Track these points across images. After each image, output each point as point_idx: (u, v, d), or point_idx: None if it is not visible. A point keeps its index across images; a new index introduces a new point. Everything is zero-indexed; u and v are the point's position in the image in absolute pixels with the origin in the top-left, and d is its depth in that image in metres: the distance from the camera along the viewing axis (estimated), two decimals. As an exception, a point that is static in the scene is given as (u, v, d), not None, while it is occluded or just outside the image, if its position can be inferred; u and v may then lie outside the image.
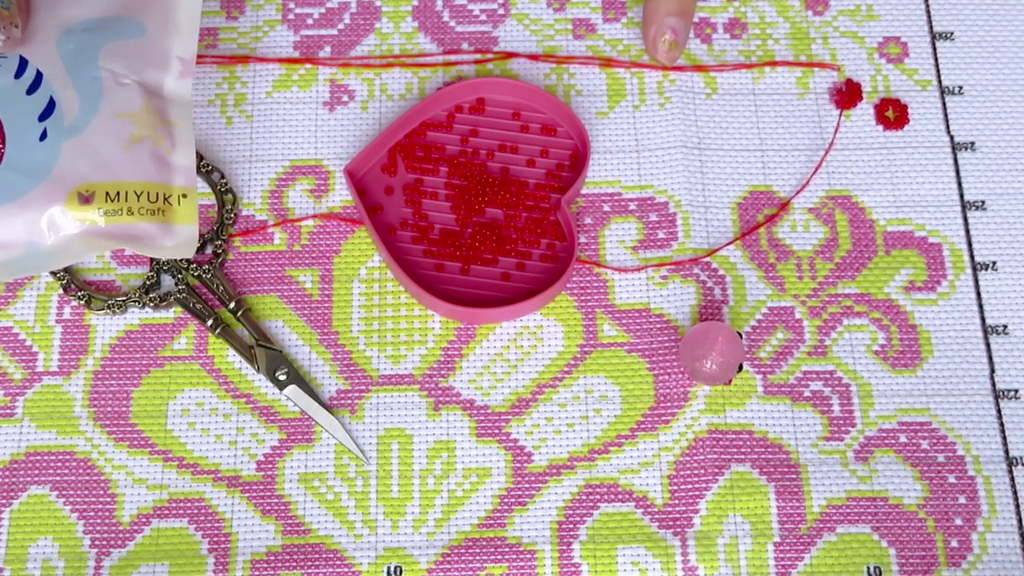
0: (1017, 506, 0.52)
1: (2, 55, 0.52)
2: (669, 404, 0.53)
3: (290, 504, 0.52)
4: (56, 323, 0.55)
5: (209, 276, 0.55)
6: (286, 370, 0.53)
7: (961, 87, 0.59)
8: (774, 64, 0.59)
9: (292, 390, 0.53)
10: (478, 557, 0.51)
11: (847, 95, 0.58)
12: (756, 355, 0.54)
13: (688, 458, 0.52)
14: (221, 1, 0.61)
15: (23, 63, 0.52)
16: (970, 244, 0.56)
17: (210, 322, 0.54)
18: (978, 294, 0.55)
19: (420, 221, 0.56)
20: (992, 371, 0.54)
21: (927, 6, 0.61)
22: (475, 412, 0.53)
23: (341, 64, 0.60)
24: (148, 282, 0.55)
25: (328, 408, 0.53)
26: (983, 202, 0.57)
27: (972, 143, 0.58)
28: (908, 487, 0.52)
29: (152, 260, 0.55)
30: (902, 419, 0.53)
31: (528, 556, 0.51)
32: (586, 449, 0.52)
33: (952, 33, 0.60)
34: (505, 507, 0.52)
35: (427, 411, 0.53)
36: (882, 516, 0.51)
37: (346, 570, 0.50)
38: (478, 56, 0.60)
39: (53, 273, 0.55)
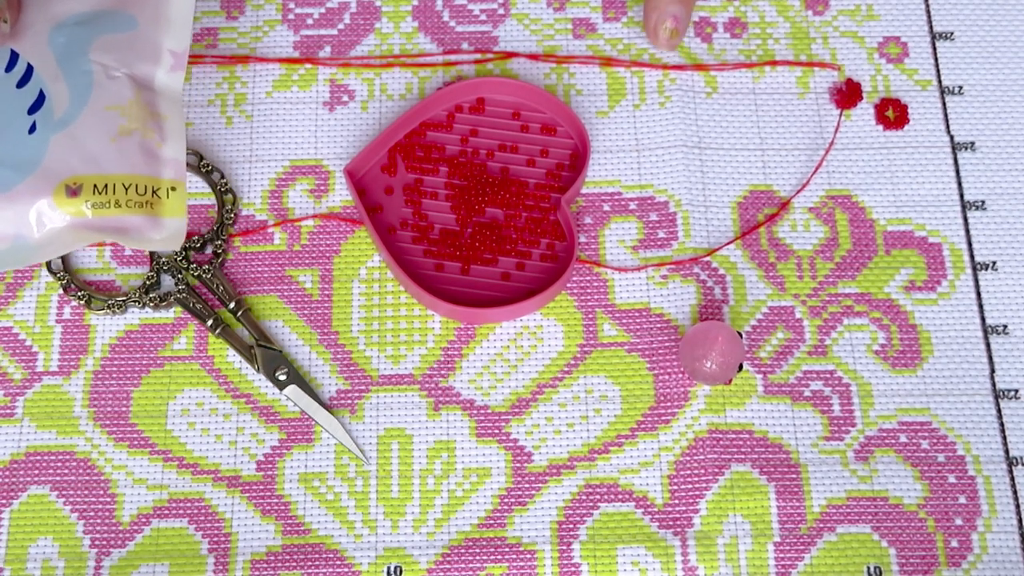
0: (1017, 506, 0.52)
1: None
2: (669, 404, 0.53)
3: (290, 504, 0.52)
4: (56, 323, 0.55)
5: (209, 276, 0.55)
6: (286, 370, 0.53)
7: (961, 87, 0.59)
8: (774, 64, 0.59)
9: (292, 390, 0.53)
10: (478, 557, 0.51)
11: (847, 95, 0.58)
12: (756, 355, 0.54)
13: (688, 458, 0.52)
14: (221, 1, 0.61)
15: (14, 56, 0.51)
16: (970, 244, 0.56)
17: (210, 322, 0.54)
18: (978, 294, 0.55)
19: (420, 221, 0.56)
20: (992, 371, 0.54)
21: (927, 6, 0.61)
22: (475, 412, 0.53)
23: (341, 64, 0.59)
24: (148, 282, 0.54)
25: (328, 408, 0.53)
26: (983, 202, 0.57)
27: (972, 143, 0.58)
28: (908, 487, 0.52)
29: (152, 260, 0.55)
30: (902, 419, 0.53)
31: (528, 556, 0.51)
32: (586, 449, 0.52)
33: (952, 33, 0.60)
34: (505, 507, 0.52)
35: (427, 411, 0.53)
36: (882, 516, 0.51)
37: (346, 570, 0.50)
38: (478, 56, 0.60)
39: (53, 273, 0.55)
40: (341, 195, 0.57)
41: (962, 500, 0.52)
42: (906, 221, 0.57)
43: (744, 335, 0.54)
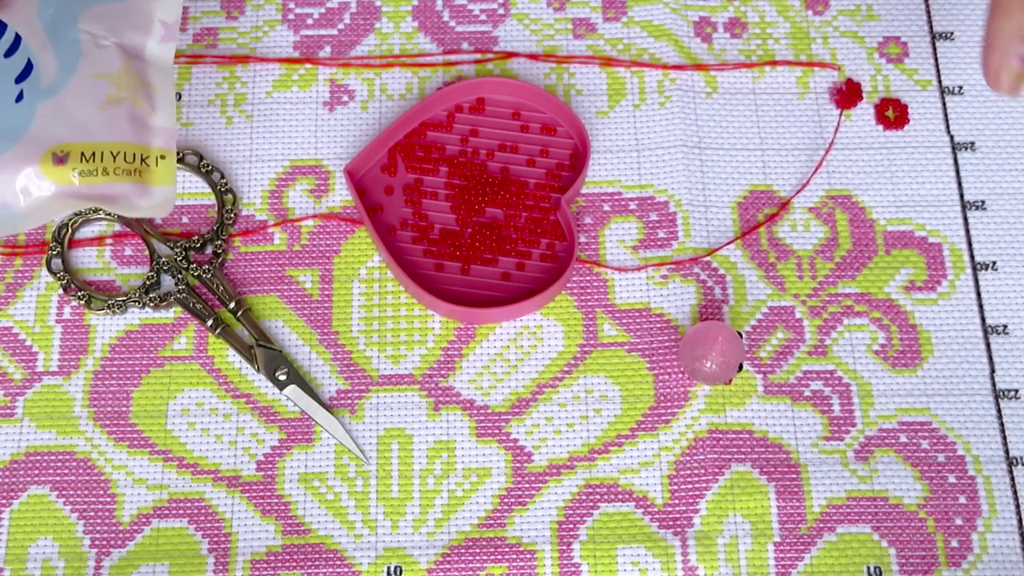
0: (1017, 506, 0.52)
1: None
2: (669, 404, 0.53)
3: (290, 504, 0.52)
4: (56, 323, 0.55)
5: (209, 276, 0.55)
6: (286, 370, 0.53)
7: (961, 87, 0.59)
8: (774, 64, 0.59)
9: (292, 390, 0.53)
10: (478, 557, 0.51)
11: (847, 95, 0.58)
12: (756, 355, 0.54)
13: (688, 458, 0.52)
14: (221, 1, 0.61)
15: (1, 27, 0.51)
16: (970, 244, 0.56)
17: (210, 322, 0.54)
18: (978, 294, 0.55)
19: (420, 221, 0.56)
20: (992, 371, 0.54)
21: (927, 6, 0.61)
22: (475, 412, 0.53)
23: (341, 64, 0.59)
24: (148, 282, 0.54)
25: (328, 408, 0.53)
26: (983, 202, 0.57)
27: (972, 143, 0.58)
28: (908, 487, 0.52)
29: (152, 260, 0.55)
30: (902, 419, 0.53)
31: (528, 556, 0.51)
32: (586, 449, 0.52)
33: (952, 33, 0.60)
34: (505, 507, 0.52)
35: (427, 411, 0.53)
36: (882, 516, 0.51)
37: (346, 570, 0.50)
38: (478, 56, 0.60)
39: (53, 273, 0.55)
40: (341, 195, 0.57)
41: (962, 500, 0.52)
42: (906, 221, 0.57)
43: (744, 335, 0.54)
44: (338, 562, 0.51)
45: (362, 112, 0.59)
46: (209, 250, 0.56)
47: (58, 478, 0.52)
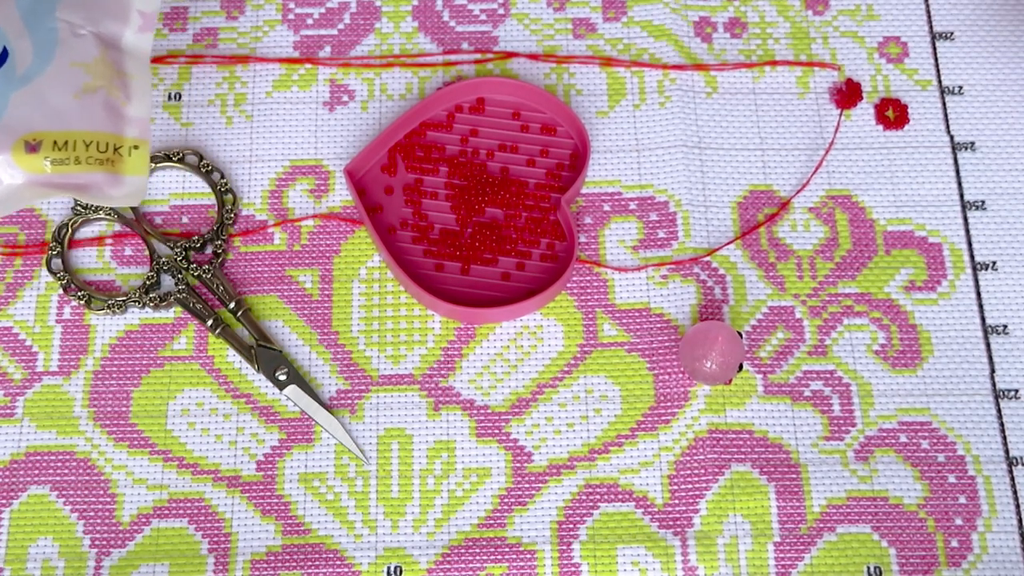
0: (1017, 506, 0.52)
1: None
2: (669, 404, 0.53)
3: (290, 504, 0.52)
4: (56, 323, 0.55)
5: (209, 276, 0.55)
6: (286, 370, 0.53)
7: (961, 87, 0.59)
8: (774, 63, 0.59)
9: (292, 390, 0.53)
10: (478, 557, 0.51)
11: (847, 95, 0.58)
12: (756, 355, 0.54)
13: (688, 458, 0.52)
14: (221, 1, 0.61)
15: None
16: (970, 244, 0.56)
17: (210, 322, 0.54)
18: (978, 294, 0.55)
19: (420, 221, 0.56)
20: (992, 371, 0.54)
21: (927, 6, 0.61)
22: (475, 412, 0.53)
23: (341, 64, 0.59)
24: (148, 282, 0.54)
25: (328, 408, 0.53)
26: (983, 202, 0.57)
27: (972, 143, 0.58)
28: (908, 487, 0.52)
29: (152, 260, 0.55)
30: (902, 419, 0.53)
31: (528, 556, 0.51)
32: (586, 449, 0.52)
33: (952, 33, 0.60)
34: (505, 507, 0.52)
35: (427, 411, 0.53)
36: (882, 516, 0.51)
37: (346, 570, 0.50)
38: (478, 56, 0.60)
39: (53, 273, 0.55)
40: (341, 195, 0.57)
41: (962, 500, 0.52)
42: (906, 221, 0.57)
43: (744, 335, 0.54)
44: (338, 562, 0.51)
45: (362, 112, 0.59)
46: (209, 250, 0.56)
47: (58, 478, 0.52)
